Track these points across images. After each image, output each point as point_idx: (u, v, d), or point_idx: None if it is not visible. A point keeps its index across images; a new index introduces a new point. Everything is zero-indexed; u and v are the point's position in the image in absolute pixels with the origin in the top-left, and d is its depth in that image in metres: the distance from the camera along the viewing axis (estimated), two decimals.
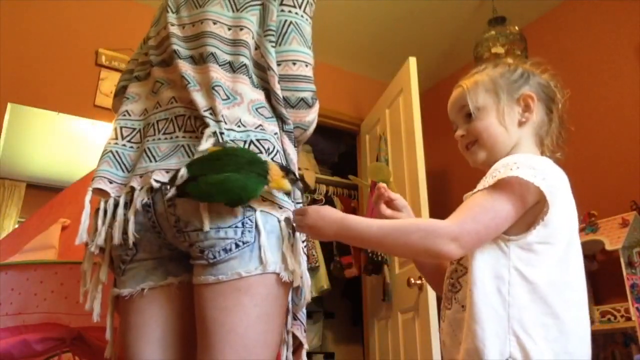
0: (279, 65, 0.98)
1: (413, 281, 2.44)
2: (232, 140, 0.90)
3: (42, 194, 2.48)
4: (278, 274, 0.87)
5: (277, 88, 0.97)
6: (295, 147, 1.02)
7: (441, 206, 3.14)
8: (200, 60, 0.99)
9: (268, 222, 0.88)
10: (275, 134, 0.97)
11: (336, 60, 3.52)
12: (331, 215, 0.90)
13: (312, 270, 3.27)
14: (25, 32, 2.57)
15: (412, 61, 2.79)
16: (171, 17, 1.05)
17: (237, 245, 0.85)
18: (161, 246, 0.93)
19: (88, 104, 2.58)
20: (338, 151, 4.02)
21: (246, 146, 0.91)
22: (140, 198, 0.89)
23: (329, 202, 3.49)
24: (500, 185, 0.84)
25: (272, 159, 0.93)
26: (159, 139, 0.96)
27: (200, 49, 0.99)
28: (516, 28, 2.78)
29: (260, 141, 0.92)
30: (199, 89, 0.95)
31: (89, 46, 2.69)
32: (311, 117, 1.02)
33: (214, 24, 1.01)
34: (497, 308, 0.82)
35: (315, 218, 0.90)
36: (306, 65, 1.00)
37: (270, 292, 0.86)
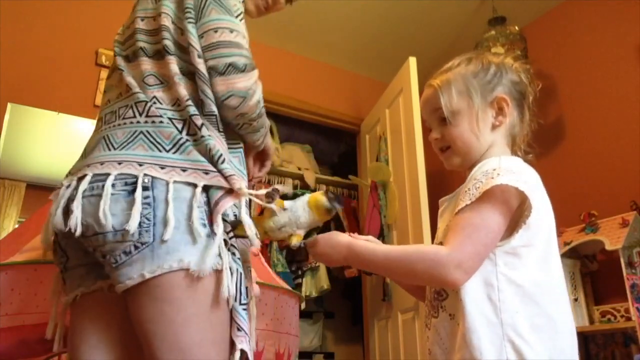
0: (201, 37, 0.95)
1: None
2: (170, 119, 0.91)
3: (42, 194, 2.47)
4: (187, 270, 0.82)
5: (197, 62, 0.94)
6: (220, 132, 0.96)
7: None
8: (133, 57, 1.01)
9: (173, 217, 0.83)
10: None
11: (336, 60, 3.52)
12: (339, 242, 0.93)
13: (312, 270, 3.27)
14: (25, 32, 2.57)
15: (412, 61, 2.79)
16: (119, 30, 1.12)
17: (136, 247, 0.82)
18: (85, 252, 0.91)
19: (88, 104, 2.58)
20: (338, 151, 4.01)
21: (186, 126, 0.92)
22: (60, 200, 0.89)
23: None
24: (486, 197, 0.84)
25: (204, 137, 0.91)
26: (92, 137, 0.99)
27: (133, 47, 1.02)
28: (516, 28, 2.78)
29: (193, 117, 0.91)
30: (131, 75, 0.98)
31: (89, 46, 2.69)
32: (246, 83, 0.94)
33: (142, 20, 1.04)
34: (490, 315, 0.82)
35: (323, 246, 0.94)
36: (230, 32, 0.96)
37: (189, 294, 0.83)
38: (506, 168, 0.86)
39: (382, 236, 2.81)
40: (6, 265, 1.33)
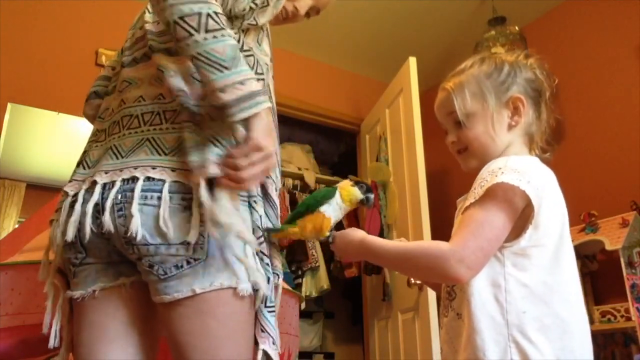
0: None
1: (413, 281, 2.44)
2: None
3: (42, 194, 2.48)
4: (235, 289, 0.84)
5: None
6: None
7: (441, 206, 3.16)
8: (176, 52, 0.92)
9: (222, 236, 0.83)
10: None
11: (336, 60, 3.52)
12: (353, 238, 0.96)
13: (312, 270, 3.27)
14: (25, 32, 2.57)
15: (412, 61, 2.79)
16: (147, 17, 1.01)
17: (188, 262, 0.82)
18: (111, 252, 0.90)
19: None
20: (338, 151, 4.02)
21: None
22: (96, 194, 0.86)
23: None
24: (489, 195, 0.84)
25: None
26: (124, 134, 0.92)
27: None
28: (516, 28, 2.78)
29: None
30: (173, 75, 0.89)
31: (89, 46, 2.69)
32: None
33: None
34: (495, 316, 0.82)
35: (339, 243, 0.98)
36: None
37: (233, 310, 0.85)
38: (511, 167, 0.86)
39: (382, 236, 2.81)
40: (6, 265, 1.34)
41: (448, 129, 1.01)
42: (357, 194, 1.00)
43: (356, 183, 1.01)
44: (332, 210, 0.98)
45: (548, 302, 0.82)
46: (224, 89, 0.78)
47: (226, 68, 0.78)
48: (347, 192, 1.00)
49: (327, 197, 0.98)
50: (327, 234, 0.98)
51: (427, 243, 0.88)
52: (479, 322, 0.82)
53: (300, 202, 1.05)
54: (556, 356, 0.80)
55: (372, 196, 1.02)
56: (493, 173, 0.86)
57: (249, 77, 0.81)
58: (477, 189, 0.86)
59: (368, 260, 0.99)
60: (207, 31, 0.79)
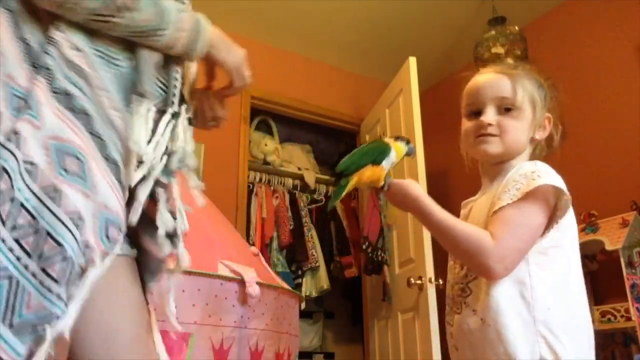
0: None
1: (413, 281, 2.44)
2: None
3: None
4: None
5: None
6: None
7: (441, 206, 3.14)
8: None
9: None
10: None
11: (336, 60, 3.52)
12: (410, 192, 0.97)
13: (312, 270, 3.27)
14: None
15: (412, 61, 2.79)
16: None
17: None
18: None
19: None
20: (338, 151, 4.01)
21: None
22: None
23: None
24: (529, 197, 0.87)
25: None
26: None
27: None
28: (516, 28, 2.78)
29: None
30: None
31: None
32: None
33: None
34: (523, 312, 0.85)
35: (393, 192, 1.00)
36: None
37: None
38: (543, 170, 0.91)
39: (382, 236, 2.81)
40: None
41: (486, 110, 0.98)
42: (404, 147, 1.08)
43: (396, 138, 1.08)
44: (386, 164, 1.04)
45: (564, 301, 0.86)
46: (172, 46, 0.76)
47: (162, 29, 0.73)
48: (397, 147, 1.06)
49: (386, 152, 1.04)
50: (382, 183, 1.03)
51: (475, 231, 0.88)
52: (507, 319, 0.84)
53: (358, 151, 1.06)
54: (575, 353, 0.83)
55: (413, 147, 1.10)
56: (528, 176, 0.89)
57: (179, 16, 0.75)
58: (512, 190, 0.89)
59: (416, 217, 0.99)
60: (119, 10, 0.69)
